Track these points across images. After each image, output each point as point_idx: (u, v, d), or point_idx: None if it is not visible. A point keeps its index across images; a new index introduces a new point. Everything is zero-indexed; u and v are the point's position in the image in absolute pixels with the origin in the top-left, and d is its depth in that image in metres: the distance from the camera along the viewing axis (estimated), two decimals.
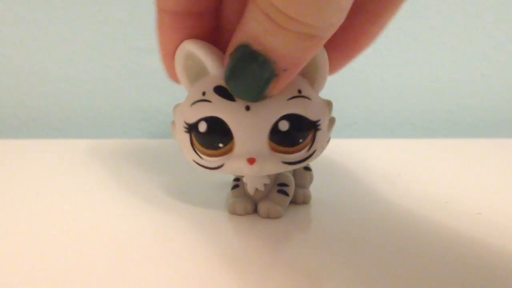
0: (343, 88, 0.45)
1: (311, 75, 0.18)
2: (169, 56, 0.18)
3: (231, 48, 0.16)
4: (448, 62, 0.46)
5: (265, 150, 0.17)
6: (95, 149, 0.34)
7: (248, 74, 0.16)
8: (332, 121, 0.19)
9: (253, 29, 0.15)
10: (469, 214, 0.21)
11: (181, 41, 0.18)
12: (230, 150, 0.17)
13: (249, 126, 0.17)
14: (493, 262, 0.16)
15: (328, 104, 0.19)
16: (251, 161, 0.17)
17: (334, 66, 0.20)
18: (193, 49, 0.17)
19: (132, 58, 0.43)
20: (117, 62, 0.43)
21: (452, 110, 0.47)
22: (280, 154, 0.18)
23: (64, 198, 0.23)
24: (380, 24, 0.19)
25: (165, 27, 0.17)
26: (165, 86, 0.43)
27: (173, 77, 0.19)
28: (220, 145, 0.17)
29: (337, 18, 0.14)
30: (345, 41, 0.19)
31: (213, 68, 0.17)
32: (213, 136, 0.17)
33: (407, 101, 0.47)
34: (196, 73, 0.18)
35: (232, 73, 0.16)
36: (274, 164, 0.18)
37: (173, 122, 0.19)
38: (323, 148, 0.19)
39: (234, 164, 0.17)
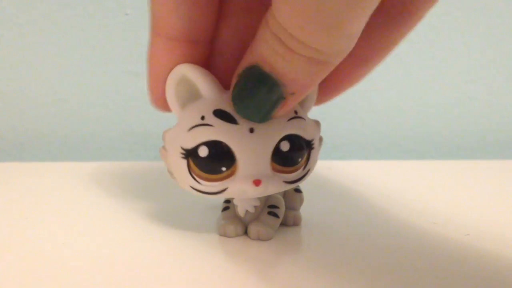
0: (331, 110, 0.45)
1: None
2: (158, 81, 0.18)
3: (240, 68, 0.16)
4: (436, 85, 0.47)
5: (268, 171, 0.18)
6: (85, 172, 0.33)
7: (256, 95, 0.16)
8: (321, 139, 0.20)
9: (264, 51, 0.15)
10: (457, 236, 0.21)
11: (173, 67, 0.18)
12: (232, 174, 0.17)
13: (253, 148, 0.17)
14: (481, 283, 0.16)
15: (317, 123, 0.20)
16: (257, 182, 0.17)
17: (319, 100, 0.21)
18: (188, 73, 0.17)
19: (122, 81, 0.43)
20: (107, 85, 0.43)
21: (439, 132, 0.48)
22: (281, 174, 0.18)
23: (53, 222, 0.23)
24: (367, 69, 0.20)
25: (158, 51, 0.17)
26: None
27: (157, 102, 0.19)
28: (223, 168, 0.17)
29: (347, 45, 0.14)
30: (332, 80, 0.19)
31: (209, 92, 0.18)
32: (216, 160, 0.17)
33: (395, 124, 0.47)
34: (186, 98, 0.18)
35: (240, 93, 0.16)
36: (277, 184, 0.18)
37: (162, 148, 0.19)
38: (314, 166, 0.20)
39: (238, 187, 0.17)
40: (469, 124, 0.48)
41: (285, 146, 0.18)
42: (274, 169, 0.18)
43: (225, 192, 0.18)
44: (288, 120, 0.18)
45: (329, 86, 0.20)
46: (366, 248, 0.20)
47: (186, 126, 0.18)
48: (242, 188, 0.17)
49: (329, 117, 0.46)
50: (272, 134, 0.17)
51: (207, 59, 0.18)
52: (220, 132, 0.17)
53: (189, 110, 0.18)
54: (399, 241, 0.20)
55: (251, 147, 0.17)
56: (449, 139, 0.48)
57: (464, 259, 0.18)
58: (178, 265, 0.18)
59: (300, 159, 0.18)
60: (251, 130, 0.17)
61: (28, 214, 0.24)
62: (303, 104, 0.19)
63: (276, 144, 0.17)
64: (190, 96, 0.18)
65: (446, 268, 0.18)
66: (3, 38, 0.41)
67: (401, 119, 0.47)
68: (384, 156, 0.47)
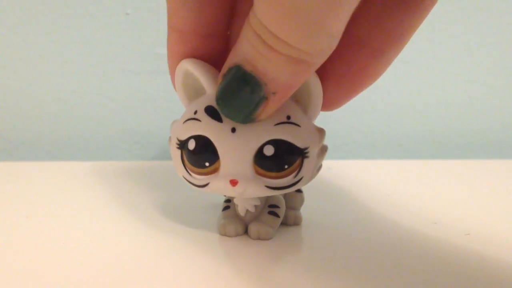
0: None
1: (304, 102, 0.18)
2: (174, 71, 0.19)
3: (224, 68, 0.16)
4: (436, 84, 0.47)
5: (249, 173, 0.17)
6: (85, 171, 0.33)
7: (238, 95, 0.16)
8: (323, 149, 0.19)
9: (246, 50, 0.15)
10: (457, 235, 0.21)
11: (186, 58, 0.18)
12: (216, 170, 0.18)
13: (233, 148, 0.17)
14: (481, 283, 0.16)
15: (320, 131, 0.19)
16: (233, 182, 0.17)
17: (336, 100, 0.20)
18: (190, 67, 0.18)
19: (123, 80, 0.43)
20: (108, 84, 0.43)
21: (440, 131, 0.48)
22: (264, 178, 0.18)
23: (55, 221, 0.23)
24: (383, 61, 0.18)
25: (173, 44, 0.18)
26: (157, 108, 0.43)
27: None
28: (207, 164, 0.18)
29: (328, 45, 0.14)
30: (346, 76, 0.18)
31: (208, 88, 0.18)
32: (200, 155, 0.18)
33: (396, 123, 0.47)
34: (195, 91, 0.19)
35: (223, 94, 0.16)
36: (257, 188, 0.18)
37: (170, 138, 0.20)
38: (312, 175, 0.19)
39: (217, 184, 0.18)
40: (469, 123, 0.48)
41: (268, 151, 0.17)
42: (257, 172, 0.18)
43: (207, 187, 0.18)
44: (276, 124, 0.17)
45: (345, 85, 0.19)
46: (366, 247, 0.20)
47: (183, 118, 0.18)
48: (221, 186, 0.18)
49: (329, 117, 0.45)
50: (254, 136, 0.17)
51: (221, 54, 0.18)
52: (205, 128, 0.17)
53: (192, 104, 0.19)
54: (399, 241, 0.20)
55: (232, 147, 0.17)
56: (449, 138, 0.48)
57: (464, 259, 0.18)
58: (179, 264, 0.18)
59: (286, 166, 0.18)
60: (233, 130, 0.17)
61: (28, 214, 0.24)
62: (307, 110, 0.18)
63: (260, 147, 0.17)
64: (198, 89, 0.18)
65: (446, 267, 0.18)
66: (3, 37, 0.41)
67: (402, 118, 0.47)
68: (385, 155, 0.47)
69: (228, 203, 0.22)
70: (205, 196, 0.26)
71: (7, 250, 0.19)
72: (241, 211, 0.21)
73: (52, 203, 0.26)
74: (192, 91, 0.19)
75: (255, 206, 0.20)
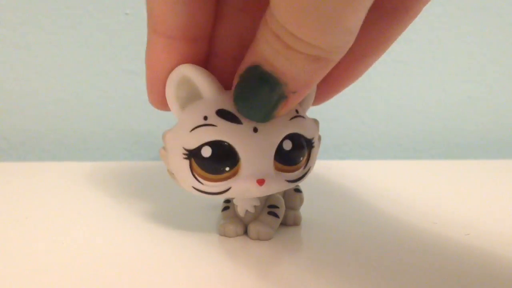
0: (331, 110, 0.45)
1: None
2: (157, 80, 0.18)
3: (241, 68, 0.16)
4: (436, 84, 0.47)
5: (271, 170, 0.18)
6: (85, 172, 0.33)
7: (258, 94, 0.16)
8: (319, 138, 0.20)
9: (264, 50, 0.15)
10: (457, 235, 0.21)
11: (172, 66, 0.17)
12: (235, 173, 0.18)
13: (257, 147, 0.17)
14: (481, 283, 0.16)
15: (316, 122, 0.20)
16: (261, 182, 0.17)
17: (318, 97, 0.21)
18: (189, 73, 0.17)
19: (123, 80, 0.43)
20: (107, 84, 0.43)
21: (439, 132, 0.48)
22: (283, 173, 0.18)
23: (54, 221, 0.23)
24: (365, 65, 0.20)
25: (157, 50, 0.17)
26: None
27: (156, 101, 0.19)
28: (227, 168, 0.17)
29: (346, 40, 0.14)
30: (330, 77, 0.19)
31: (210, 92, 0.18)
32: (219, 161, 0.17)
33: (395, 123, 0.47)
34: (186, 99, 0.18)
35: (242, 94, 0.16)
36: (279, 183, 0.18)
37: (162, 149, 0.19)
38: (314, 165, 0.20)
39: (242, 186, 0.17)
40: (469, 123, 0.48)
41: (287, 145, 0.18)
42: (276, 168, 0.18)
43: (228, 192, 0.18)
44: (290, 119, 0.18)
45: (328, 84, 0.20)
46: (366, 247, 0.20)
47: (188, 126, 0.18)
48: (246, 187, 0.17)
49: (329, 116, 0.46)
50: (275, 133, 0.17)
51: (206, 58, 0.18)
52: (224, 132, 0.17)
53: (191, 110, 0.18)
54: (399, 241, 0.20)
55: (255, 147, 0.17)
56: (449, 138, 0.48)
57: (464, 259, 0.18)
58: (178, 265, 0.18)
59: (301, 158, 0.18)
60: (255, 130, 0.17)
61: (28, 214, 0.24)
62: (301, 103, 0.19)
63: (279, 143, 0.18)
64: (190, 96, 0.18)
65: (446, 267, 0.18)
66: (3, 37, 0.41)
67: (401, 118, 0.47)
68: (384, 155, 0.47)
69: (228, 204, 0.22)
70: (204, 197, 0.26)
71: (7, 250, 0.19)
72: (240, 211, 0.21)
73: (51, 203, 0.26)
74: (184, 99, 0.18)
75: (255, 207, 0.20)
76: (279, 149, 0.18)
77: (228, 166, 0.17)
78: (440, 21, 0.45)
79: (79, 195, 0.28)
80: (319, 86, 0.20)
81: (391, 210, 0.25)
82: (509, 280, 0.17)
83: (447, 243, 0.20)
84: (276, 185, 0.18)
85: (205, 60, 0.18)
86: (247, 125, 0.17)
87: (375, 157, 0.47)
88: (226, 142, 0.17)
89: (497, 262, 0.18)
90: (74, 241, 0.20)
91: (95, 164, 0.37)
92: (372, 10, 0.14)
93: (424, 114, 0.47)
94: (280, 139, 0.18)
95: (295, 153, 0.18)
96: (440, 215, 0.24)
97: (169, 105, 0.18)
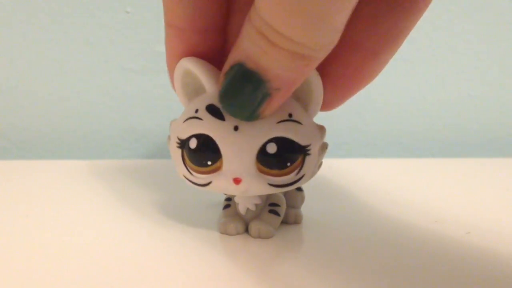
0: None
1: (304, 99, 0.18)
2: (173, 69, 0.19)
3: (226, 66, 0.16)
4: (436, 83, 0.47)
5: (252, 171, 0.17)
6: (86, 170, 0.33)
7: (241, 93, 0.16)
8: (324, 146, 0.19)
9: (248, 47, 0.15)
10: (458, 234, 0.21)
11: (183, 56, 0.18)
12: (218, 169, 0.18)
13: (236, 146, 0.17)
14: (482, 281, 0.16)
15: (321, 129, 0.19)
16: (237, 181, 0.17)
17: (331, 101, 0.20)
18: (190, 66, 0.18)
19: (123, 79, 0.43)
20: (108, 83, 0.43)
21: (439, 130, 0.48)
22: (267, 176, 0.18)
23: (55, 219, 0.23)
24: (378, 62, 0.19)
25: (171, 42, 0.18)
26: (157, 107, 0.43)
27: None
28: (209, 162, 0.18)
29: (330, 39, 0.14)
30: (342, 77, 0.19)
31: (209, 86, 0.18)
32: (202, 153, 0.18)
33: (396, 121, 0.47)
34: (195, 90, 0.18)
35: (225, 92, 0.16)
36: (260, 186, 0.18)
37: (169, 137, 0.20)
38: (313, 173, 0.19)
39: (220, 183, 0.18)
40: (469, 121, 0.48)
41: (271, 148, 0.17)
42: (260, 170, 0.18)
43: (209, 186, 0.18)
44: (279, 122, 0.17)
45: (341, 86, 0.19)
46: (367, 246, 0.20)
47: (183, 117, 0.18)
48: (224, 184, 0.18)
49: (329, 115, 0.45)
50: (257, 134, 0.17)
51: (219, 50, 0.18)
52: (207, 126, 0.17)
53: (192, 103, 0.18)
54: (400, 239, 0.20)
55: (234, 145, 0.17)
56: (449, 136, 0.48)
57: (465, 257, 0.18)
58: (179, 263, 0.18)
59: (288, 163, 0.18)
60: (236, 128, 0.17)
61: (28, 212, 0.24)
62: (308, 108, 0.18)
63: (262, 145, 0.17)
64: (197, 88, 0.18)
65: (447, 266, 0.18)
66: (3, 36, 0.41)
67: (402, 117, 0.47)
68: (385, 154, 0.47)
69: (229, 202, 0.22)
70: (205, 195, 0.26)
71: (8, 248, 0.19)
72: (241, 209, 0.21)
73: (52, 201, 0.26)
74: (192, 90, 0.19)
75: (256, 205, 0.20)
76: (263, 151, 0.17)
77: (210, 160, 0.18)
78: (441, 18, 0.45)
79: (79, 193, 0.28)
80: (329, 90, 0.19)
81: (392, 208, 0.25)
82: (510, 278, 0.17)
83: (448, 242, 0.20)
84: (256, 187, 0.18)
85: (220, 52, 0.18)
86: (228, 122, 0.17)
87: (376, 156, 0.47)
88: (210, 137, 0.17)
89: (497, 260, 0.18)
90: (75, 239, 0.20)
91: (96, 162, 0.37)
92: (381, 4, 0.13)
93: (425, 112, 0.47)
94: (263, 141, 0.17)
95: (280, 157, 0.17)
96: (441, 214, 0.24)
97: (178, 95, 0.19)
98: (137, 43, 0.42)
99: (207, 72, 0.18)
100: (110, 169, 0.34)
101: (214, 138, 0.17)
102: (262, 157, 0.17)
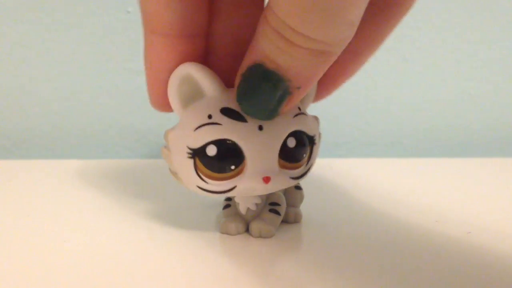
0: (334, 108, 0.45)
1: None
2: (158, 81, 0.18)
3: (243, 67, 0.16)
4: (437, 82, 0.47)
5: (276, 168, 0.18)
6: (87, 170, 0.33)
7: (261, 93, 0.16)
8: (320, 136, 0.20)
9: (266, 48, 0.15)
10: (459, 233, 0.21)
11: (173, 65, 0.17)
12: (240, 172, 0.18)
13: (262, 145, 0.17)
14: (483, 281, 0.16)
15: (316, 119, 0.20)
16: (267, 179, 0.17)
17: (316, 96, 0.21)
18: (192, 71, 0.17)
19: (124, 78, 0.43)
20: (109, 82, 0.43)
21: (441, 129, 0.48)
22: (287, 170, 0.18)
23: (56, 219, 0.23)
24: (359, 62, 0.20)
25: (156, 49, 0.17)
26: None
27: (157, 103, 0.19)
28: (232, 167, 0.17)
29: (347, 33, 0.14)
30: (326, 75, 0.19)
31: (213, 91, 0.17)
32: (225, 159, 0.17)
33: (397, 121, 0.47)
34: (189, 97, 0.18)
35: (245, 93, 0.16)
36: (284, 180, 0.18)
37: (164, 148, 0.19)
38: (315, 162, 0.20)
39: (247, 185, 0.18)
40: (471, 121, 0.48)
41: (291, 143, 0.18)
42: (280, 166, 0.18)
43: (233, 191, 0.18)
44: (294, 116, 0.18)
45: (325, 82, 0.20)
46: (367, 245, 0.20)
47: (192, 125, 0.17)
48: (251, 185, 0.17)
49: (330, 115, 0.45)
50: (280, 130, 0.18)
51: (203, 55, 0.18)
52: (229, 130, 0.17)
53: (194, 109, 0.18)
54: (401, 239, 0.20)
55: (260, 145, 0.17)
56: (451, 136, 0.48)
57: (465, 257, 0.18)
58: (180, 263, 0.18)
59: (304, 155, 0.19)
60: (260, 128, 0.17)
61: (29, 212, 0.24)
62: (302, 100, 0.19)
63: (284, 141, 0.18)
64: (192, 95, 0.18)
65: (448, 266, 0.18)
66: (4, 35, 0.41)
67: (403, 117, 0.47)
68: (386, 154, 0.47)
69: (229, 201, 0.22)
70: (207, 196, 0.26)
71: (8, 248, 0.19)
72: (242, 209, 0.21)
73: (53, 201, 0.26)
74: (186, 98, 0.18)
75: (256, 204, 0.20)
76: (284, 147, 0.18)
77: (234, 165, 0.17)
78: (441, 19, 0.45)
79: (80, 193, 0.28)
80: (317, 83, 0.20)
81: (393, 208, 0.25)
82: (510, 278, 0.17)
83: (449, 241, 0.20)
84: (281, 183, 0.18)
85: (204, 58, 0.18)
86: (252, 123, 0.17)
87: (377, 155, 0.47)
88: (231, 141, 0.17)
89: (499, 260, 0.18)
90: (75, 239, 0.20)
91: (97, 162, 0.37)
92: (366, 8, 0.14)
93: (426, 112, 0.47)
94: (285, 137, 0.18)
95: (298, 150, 0.18)
96: (442, 213, 0.24)
97: (171, 104, 0.18)
98: (138, 43, 0.42)
99: (209, 76, 0.17)
100: (111, 169, 0.34)
101: (237, 141, 0.17)
102: (283, 152, 0.18)
